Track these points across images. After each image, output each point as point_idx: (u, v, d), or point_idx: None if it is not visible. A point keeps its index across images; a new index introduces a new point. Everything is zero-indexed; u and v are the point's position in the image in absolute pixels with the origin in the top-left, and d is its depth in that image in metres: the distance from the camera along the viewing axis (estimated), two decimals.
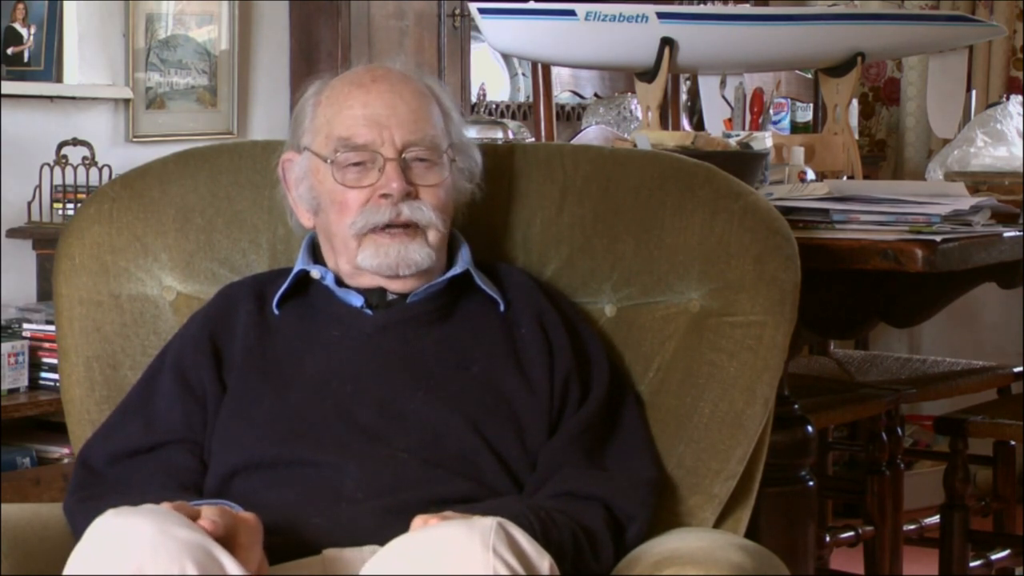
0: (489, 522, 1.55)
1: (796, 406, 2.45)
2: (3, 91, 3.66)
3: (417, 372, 1.92)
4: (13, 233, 3.70)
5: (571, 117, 5.14)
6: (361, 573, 1.60)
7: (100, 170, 3.71)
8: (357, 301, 1.98)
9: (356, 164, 1.95)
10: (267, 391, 1.91)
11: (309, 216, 2.02)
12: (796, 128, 4.94)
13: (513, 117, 4.92)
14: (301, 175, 2.01)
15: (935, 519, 3.54)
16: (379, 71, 2.00)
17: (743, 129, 4.54)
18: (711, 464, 2.02)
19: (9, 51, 3.79)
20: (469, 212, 2.08)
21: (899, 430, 3.63)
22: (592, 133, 4.45)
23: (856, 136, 4.19)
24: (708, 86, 3.35)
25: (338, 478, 1.82)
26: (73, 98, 3.87)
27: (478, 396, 1.91)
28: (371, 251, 1.94)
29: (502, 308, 2.00)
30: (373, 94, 1.97)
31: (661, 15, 3.05)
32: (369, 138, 1.94)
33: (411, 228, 1.94)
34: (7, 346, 3.44)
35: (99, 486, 1.90)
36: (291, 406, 1.90)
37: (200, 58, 4.19)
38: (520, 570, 1.53)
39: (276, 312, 2.00)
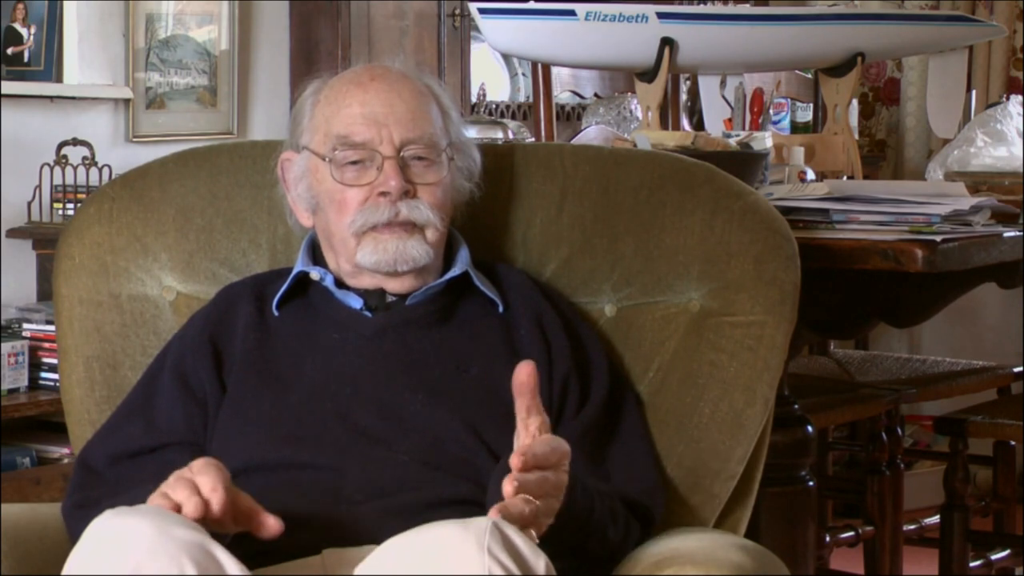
0: (484, 522, 1.55)
1: (796, 406, 2.45)
2: (3, 91, 3.67)
3: (416, 375, 1.92)
4: (13, 233, 3.71)
5: (571, 117, 5.14)
6: (356, 573, 1.59)
7: (100, 170, 3.71)
8: (356, 303, 1.98)
9: (354, 163, 1.95)
10: (266, 393, 1.91)
11: (308, 215, 2.02)
12: (796, 128, 4.94)
13: (513, 117, 4.92)
14: (300, 174, 2.01)
15: (935, 519, 3.55)
16: (378, 70, 2.00)
17: (743, 129, 4.54)
18: (711, 464, 2.02)
19: (9, 51, 3.79)
20: (469, 212, 2.08)
21: (899, 430, 3.64)
22: (592, 133, 4.45)
23: (856, 136, 4.19)
24: (708, 86, 3.35)
25: (338, 481, 1.82)
26: (73, 98, 3.87)
27: (477, 398, 1.90)
28: (370, 248, 1.94)
29: (501, 309, 2.00)
30: (371, 93, 1.97)
31: (661, 15, 3.05)
32: (367, 136, 1.94)
33: (409, 226, 1.94)
34: (7, 346, 3.45)
35: (99, 487, 1.90)
36: (290, 409, 1.89)
37: (200, 58, 4.19)
38: (515, 570, 1.53)
39: (276, 313, 1.99)
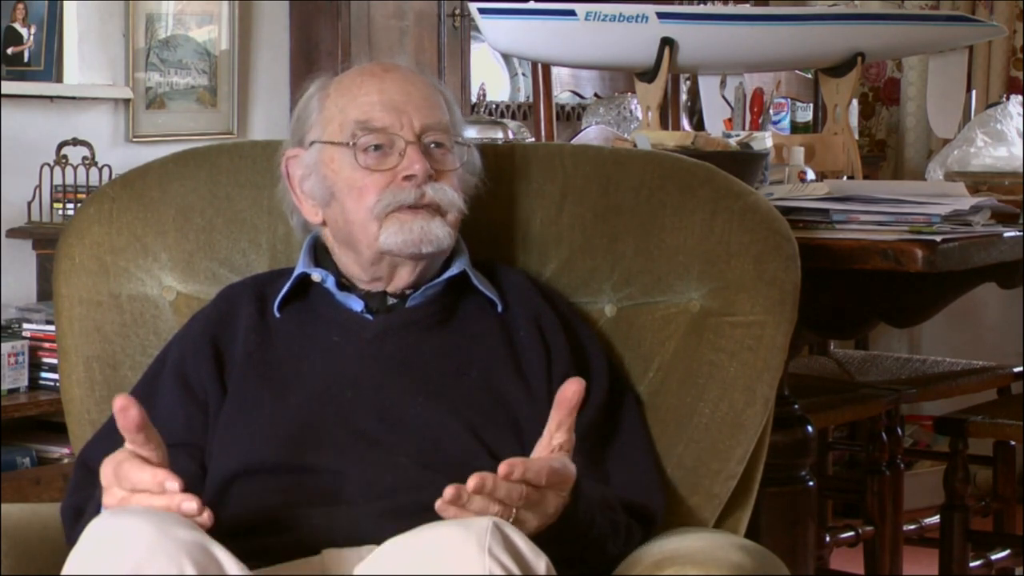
0: (485, 523, 1.55)
1: (796, 406, 2.45)
2: (3, 91, 3.67)
3: (416, 377, 1.92)
4: (13, 233, 3.71)
5: (571, 117, 5.14)
6: (355, 573, 1.59)
7: (100, 170, 3.71)
8: (357, 305, 1.98)
9: (376, 148, 1.95)
10: (267, 396, 1.91)
11: (317, 210, 2.01)
12: (796, 128, 4.94)
13: (513, 117, 4.92)
14: (309, 169, 2.00)
15: (935, 519, 3.55)
16: (389, 63, 2.02)
17: (743, 129, 4.54)
18: (711, 464, 2.02)
19: (9, 51, 3.79)
20: (469, 212, 2.08)
21: (899, 430, 3.64)
22: (592, 133, 4.45)
23: (856, 136, 4.19)
24: (708, 86, 3.35)
25: (338, 483, 1.81)
26: (73, 98, 3.87)
27: (477, 400, 1.90)
28: (395, 228, 1.92)
29: (500, 309, 2.00)
30: (388, 82, 1.97)
31: (661, 15, 3.05)
32: (388, 122, 1.94)
33: (432, 208, 1.94)
34: (7, 346, 3.45)
35: (98, 488, 1.89)
36: (291, 411, 1.89)
37: (200, 58, 4.19)
38: (516, 571, 1.53)
39: (277, 315, 1.99)
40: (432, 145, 1.96)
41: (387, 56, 4.25)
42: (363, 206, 1.94)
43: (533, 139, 4.13)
